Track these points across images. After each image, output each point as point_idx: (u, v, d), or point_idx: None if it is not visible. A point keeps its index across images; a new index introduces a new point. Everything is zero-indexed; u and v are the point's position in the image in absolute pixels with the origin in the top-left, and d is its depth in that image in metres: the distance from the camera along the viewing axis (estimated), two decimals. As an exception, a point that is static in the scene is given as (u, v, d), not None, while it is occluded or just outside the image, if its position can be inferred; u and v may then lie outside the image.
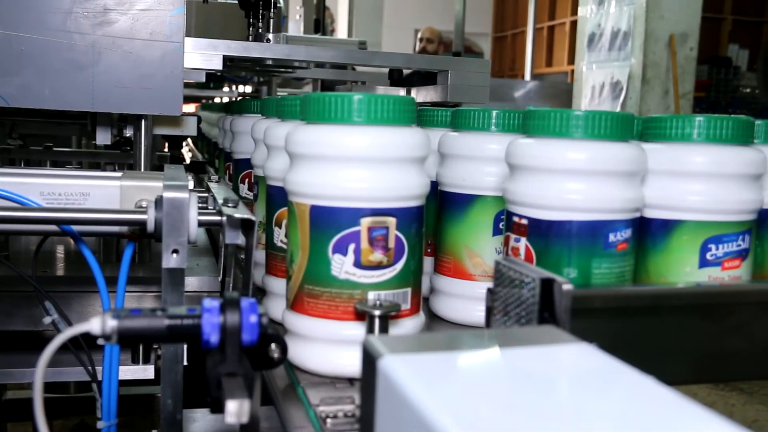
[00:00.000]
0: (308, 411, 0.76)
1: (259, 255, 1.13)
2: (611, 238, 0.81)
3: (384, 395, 0.44)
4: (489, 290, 0.67)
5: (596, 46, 5.71)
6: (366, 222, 0.82)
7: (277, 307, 1.00)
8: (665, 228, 0.88)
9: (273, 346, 0.62)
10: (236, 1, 1.77)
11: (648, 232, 0.89)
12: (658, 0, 5.15)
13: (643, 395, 0.41)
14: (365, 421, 0.48)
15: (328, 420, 0.73)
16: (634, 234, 0.84)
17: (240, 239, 0.84)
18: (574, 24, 7.62)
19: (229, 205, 0.88)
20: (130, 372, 1.10)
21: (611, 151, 0.81)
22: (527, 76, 7.37)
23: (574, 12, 7.34)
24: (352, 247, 0.82)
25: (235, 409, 0.54)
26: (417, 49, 6.14)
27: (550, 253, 0.81)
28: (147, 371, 1.12)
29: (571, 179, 0.81)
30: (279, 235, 1.06)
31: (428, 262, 1.10)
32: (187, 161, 2.71)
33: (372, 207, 0.82)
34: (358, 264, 0.82)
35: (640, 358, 0.73)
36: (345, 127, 0.83)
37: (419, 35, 6.09)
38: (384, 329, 0.76)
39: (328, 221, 0.83)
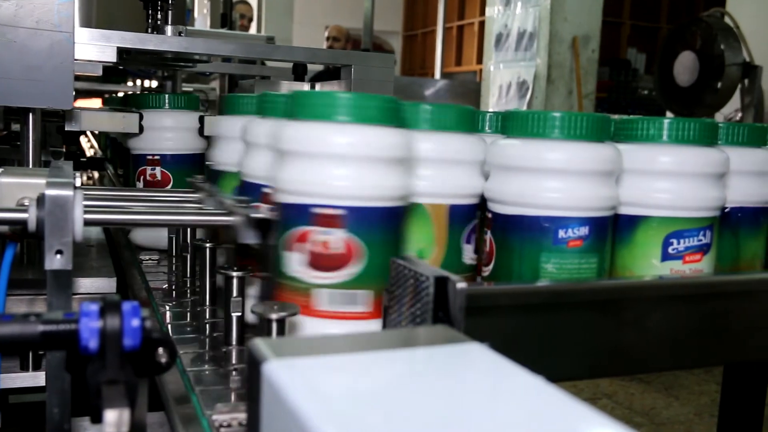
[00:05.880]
0: (201, 419, 0.73)
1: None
2: (561, 234, 0.83)
3: (268, 402, 0.42)
4: (386, 290, 0.65)
5: (503, 46, 5.81)
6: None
7: None
8: (630, 223, 0.91)
9: (160, 350, 0.59)
10: None
11: (615, 228, 0.91)
12: (561, 2, 5.28)
13: (530, 396, 0.40)
14: (251, 427, 0.46)
15: (222, 429, 0.70)
16: (596, 233, 0.85)
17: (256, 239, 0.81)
18: (482, 24, 7.72)
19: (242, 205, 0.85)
20: (19, 380, 1.05)
21: (558, 151, 0.83)
22: (437, 74, 7.44)
23: (483, 12, 7.44)
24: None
25: (114, 419, 0.50)
26: (325, 48, 6.10)
27: (506, 245, 0.86)
28: (37, 378, 1.06)
29: (516, 176, 0.85)
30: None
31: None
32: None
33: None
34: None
35: (539, 355, 0.73)
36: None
37: (326, 34, 6.04)
38: (281, 332, 0.73)
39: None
